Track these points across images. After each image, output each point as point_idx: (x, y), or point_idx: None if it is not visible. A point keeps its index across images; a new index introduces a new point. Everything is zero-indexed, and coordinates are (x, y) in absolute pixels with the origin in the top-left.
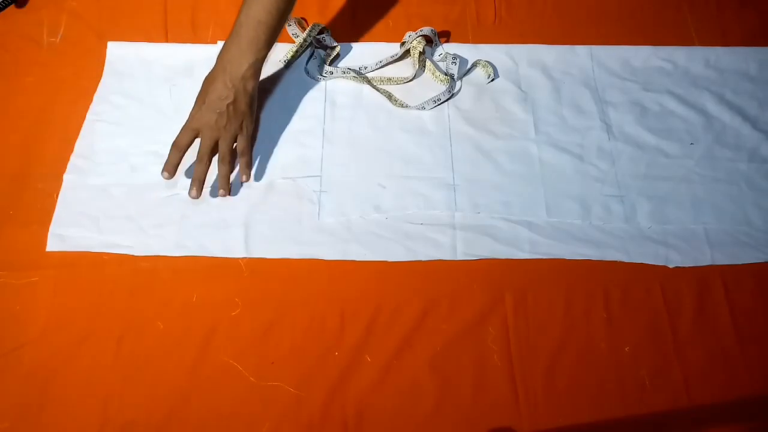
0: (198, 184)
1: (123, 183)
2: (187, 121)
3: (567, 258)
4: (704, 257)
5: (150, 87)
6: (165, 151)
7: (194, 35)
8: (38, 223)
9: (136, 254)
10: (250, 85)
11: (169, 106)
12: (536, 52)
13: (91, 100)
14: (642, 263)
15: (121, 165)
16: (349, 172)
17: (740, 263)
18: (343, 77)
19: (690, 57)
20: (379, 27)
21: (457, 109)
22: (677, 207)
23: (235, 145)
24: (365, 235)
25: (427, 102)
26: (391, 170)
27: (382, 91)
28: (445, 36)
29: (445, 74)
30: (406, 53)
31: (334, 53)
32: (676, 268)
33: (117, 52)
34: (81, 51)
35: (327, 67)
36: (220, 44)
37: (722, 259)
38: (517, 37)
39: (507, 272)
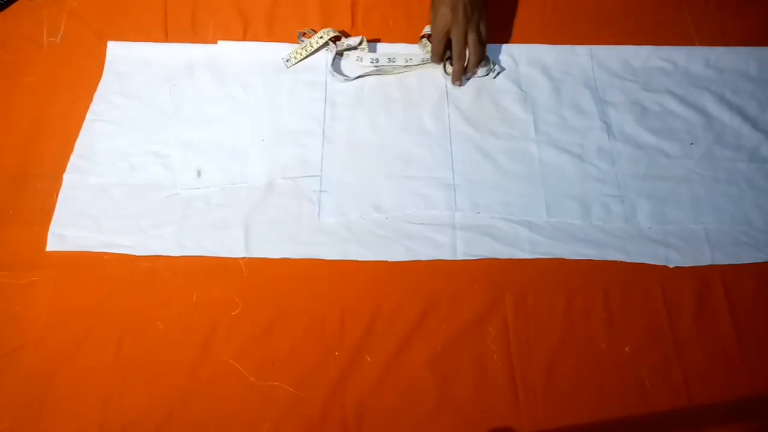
0: (459, 76)
1: (123, 183)
2: (435, 26)
3: (567, 258)
4: (704, 257)
5: (150, 87)
6: (165, 151)
7: (194, 35)
8: (38, 223)
9: (136, 254)
10: None
11: (169, 106)
12: (536, 52)
13: (91, 100)
14: (642, 263)
15: (121, 165)
16: (349, 172)
17: (740, 263)
18: (376, 66)
19: (690, 57)
20: (380, 27)
21: (457, 108)
22: (677, 207)
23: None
24: (365, 235)
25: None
26: (391, 170)
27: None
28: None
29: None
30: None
31: (361, 47)
32: (676, 268)
33: (117, 52)
34: (81, 51)
35: (365, 56)
36: (221, 44)
37: (722, 259)
38: (517, 37)
39: (507, 272)
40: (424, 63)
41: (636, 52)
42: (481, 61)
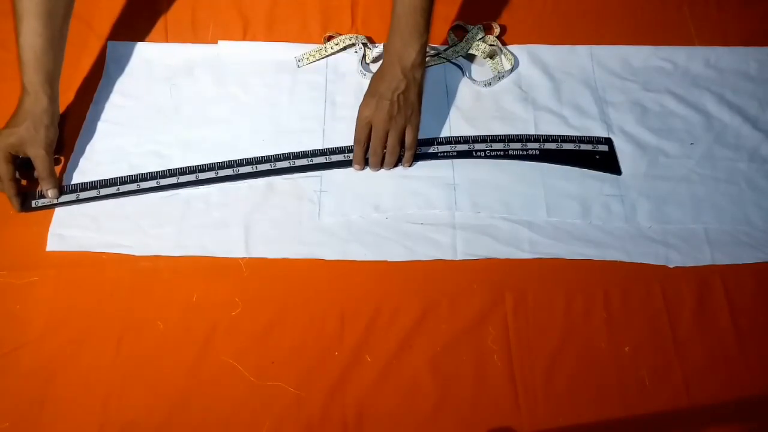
0: (361, 167)
1: None
2: (359, 114)
3: (567, 258)
4: (704, 257)
5: (150, 86)
6: (165, 151)
7: (194, 35)
8: (38, 223)
9: (136, 254)
10: (419, 74)
11: (169, 106)
12: (536, 52)
13: (91, 100)
14: (642, 263)
15: (121, 165)
16: (349, 172)
17: (740, 263)
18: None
19: (690, 57)
20: (380, 27)
21: (458, 108)
22: (677, 207)
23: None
24: (365, 235)
25: (492, 79)
26: (391, 170)
27: (459, 62)
28: (445, 36)
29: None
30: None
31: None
32: (676, 268)
33: (117, 51)
34: (81, 51)
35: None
36: (221, 44)
37: (722, 259)
38: (517, 37)
39: (507, 272)
40: (454, 52)
41: (636, 52)
42: (396, 164)
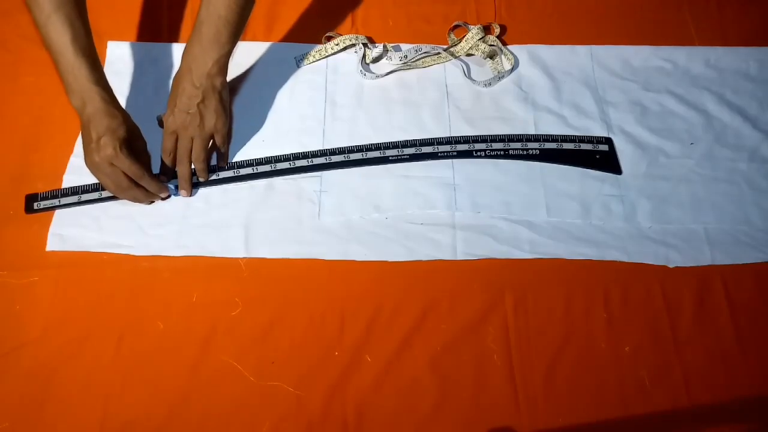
0: (186, 185)
1: None
2: (164, 126)
3: (567, 258)
4: (704, 257)
5: (150, 87)
6: None
7: None
8: (38, 223)
9: (136, 254)
10: (218, 82)
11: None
12: (536, 52)
13: None
14: (642, 263)
15: None
16: (350, 172)
17: (740, 263)
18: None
19: (690, 57)
20: (380, 27)
21: (457, 109)
22: (677, 207)
23: (211, 143)
24: (365, 235)
25: (492, 79)
26: (391, 170)
27: (462, 61)
28: (445, 36)
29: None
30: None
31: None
32: (676, 268)
33: (117, 52)
34: None
35: (394, 55)
36: None
37: (722, 259)
38: (517, 37)
39: (507, 272)
40: (454, 52)
41: (636, 52)
42: (206, 171)
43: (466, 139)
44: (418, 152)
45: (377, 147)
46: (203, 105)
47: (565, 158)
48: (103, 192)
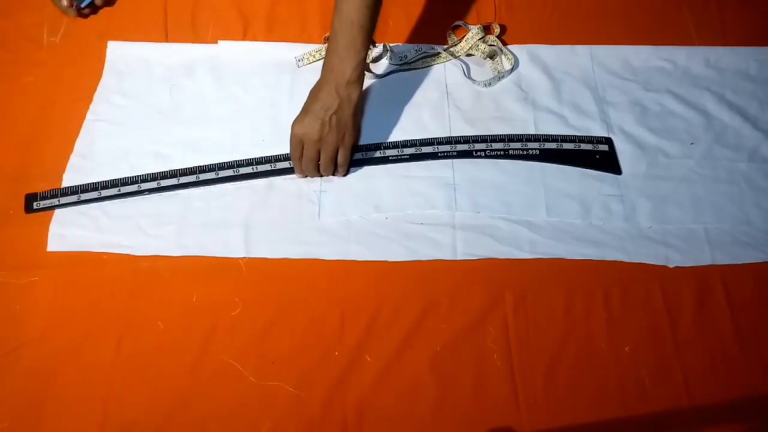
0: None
1: None
2: (292, 131)
3: (567, 258)
4: (704, 257)
5: (150, 87)
6: (165, 151)
7: (194, 35)
8: (38, 223)
9: (136, 254)
10: (355, 94)
11: (169, 106)
12: (536, 52)
13: (91, 100)
14: (642, 263)
15: (121, 165)
16: (349, 171)
17: (740, 263)
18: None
19: (690, 57)
20: (380, 27)
21: (458, 108)
22: (677, 207)
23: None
24: (365, 235)
25: (492, 79)
26: (391, 170)
27: (462, 61)
28: (445, 36)
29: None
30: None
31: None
32: (676, 268)
33: (117, 51)
34: (81, 51)
35: (394, 56)
36: (221, 44)
37: (722, 259)
38: (517, 37)
39: (507, 272)
40: (454, 52)
41: (636, 52)
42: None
43: (466, 139)
44: (418, 152)
45: (377, 147)
46: (336, 116)
47: (565, 158)
48: (102, 191)
